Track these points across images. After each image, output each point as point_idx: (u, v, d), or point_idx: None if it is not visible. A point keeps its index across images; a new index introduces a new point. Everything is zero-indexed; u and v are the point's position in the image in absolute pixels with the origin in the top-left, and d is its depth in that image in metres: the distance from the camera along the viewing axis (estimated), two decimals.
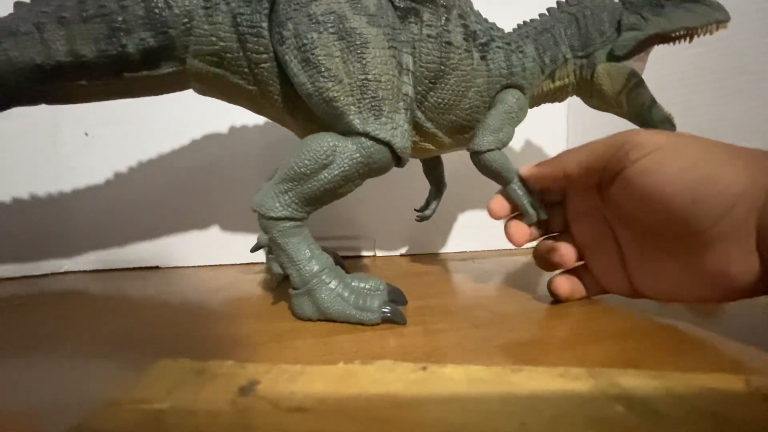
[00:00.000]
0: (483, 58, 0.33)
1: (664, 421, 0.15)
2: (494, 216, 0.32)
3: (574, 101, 0.58)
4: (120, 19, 0.26)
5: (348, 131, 0.26)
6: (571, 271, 0.31)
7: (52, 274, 0.45)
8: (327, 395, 0.17)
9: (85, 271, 0.46)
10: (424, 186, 0.48)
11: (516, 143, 0.57)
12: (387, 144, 0.27)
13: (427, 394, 0.17)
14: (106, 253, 0.46)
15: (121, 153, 0.46)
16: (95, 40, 0.26)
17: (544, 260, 0.31)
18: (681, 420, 0.15)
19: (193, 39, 0.27)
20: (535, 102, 0.38)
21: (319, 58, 0.26)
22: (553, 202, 0.32)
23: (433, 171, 0.46)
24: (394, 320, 0.26)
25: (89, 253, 0.46)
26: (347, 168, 0.26)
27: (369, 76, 0.26)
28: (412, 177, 0.51)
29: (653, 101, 0.34)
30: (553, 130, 0.59)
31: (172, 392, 0.18)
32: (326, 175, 0.26)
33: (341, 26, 0.26)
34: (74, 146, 0.45)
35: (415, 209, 0.48)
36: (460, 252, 0.57)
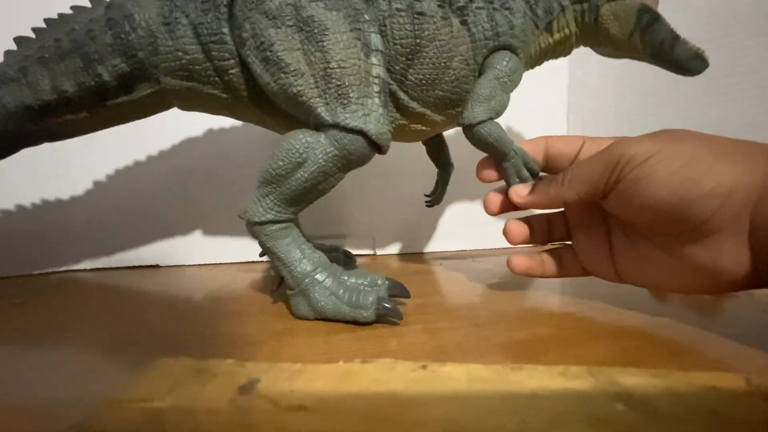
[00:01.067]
0: (463, 23, 0.30)
1: (664, 419, 0.15)
2: (513, 242, 0.32)
3: (573, 97, 0.58)
4: (92, 49, 0.27)
5: (319, 125, 0.26)
6: (554, 249, 0.31)
7: (52, 272, 0.45)
8: (327, 394, 0.17)
9: (84, 270, 0.46)
10: (425, 184, 0.48)
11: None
12: (360, 132, 0.26)
13: (427, 392, 0.17)
14: (105, 252, 0.46)
15: (120, 151, 0.46)
16: (73, 74, 0.27)
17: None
18: (681, 418, 0.15)
19: (161, 57, 0.27)
20: (536, 61, 0.34)
21: (278, 54, 0.25)
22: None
23: (437, 152, 0.44)
24: (389, 316, 0.25)
25: (89, 252, 0.46)
26: (323, 163, 0.25)
27: (332, 64, 0.25)
28: (413, 175, 0.51)
29: (675, 37, 0.30)
30: (553, 129, 0.59)
31: (172, 391, 0.18)
32: (302, 173, 0.25)
33: (298, 17, 0.26)
34: (73, 144, 0.45)
35: (425, 194, 0.46)
36: (460, 251, 0.57)
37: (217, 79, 0.28)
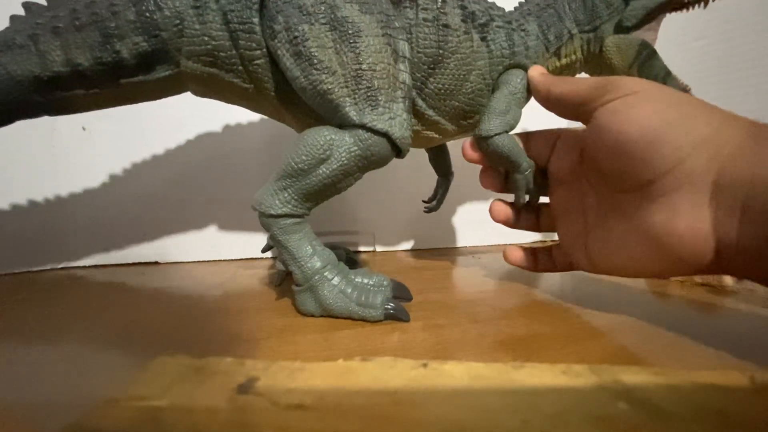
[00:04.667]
0: (483, 39, 0.32)
1: (667, 417, 0.15)
2: (496, 219, 0.34)
3: None
4: (112, 25, 0.26)
5: (344, 124, 0.26)
6: (545, 247, 0.33)
7: (51, 269, 0.44)
8: (326, 392, 0.17)
9: (83, 267, 0.46)
10: (424, 180, 0.48)
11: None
12: (385, 135, 0.26)
13: (427, 391, 0.17)
14: (104, 249, 0.46)
15: (119, 148, 0.46)
16: (90, 48, 0.26)
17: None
18: (684, 417, 0.15)
19: (186, 40, 0.26)
20: None
21: (311, 50, 0.25)
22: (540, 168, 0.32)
23: (439, 160, 0.45)
24: (397, 317, 0.26)
25: (88, 249, 0.46)
26: (345, 162, 0.26)
27: (363, 66, 0.26)
28: (412, 171, 0.51)
29: (668, 72, 0.32)
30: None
31: (170, 389, 0.17)
32: (324, 169, 0.25)
33: (333, 16, 0.25)
34: (72, 141, 0.45)
35: (423, 201, 0.47)
36: (460, 247, 0.56)
37: (241, 68, 0.28)
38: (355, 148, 0.26)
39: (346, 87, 0.26)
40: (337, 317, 0.26)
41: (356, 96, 0.26)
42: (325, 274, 0.26)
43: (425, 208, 0.47)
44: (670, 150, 0.20)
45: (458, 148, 0.45)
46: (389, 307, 0.26)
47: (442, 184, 0.46)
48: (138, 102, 0.30)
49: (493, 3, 0.34)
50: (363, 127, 0.26)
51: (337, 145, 0.25)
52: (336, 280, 0.27)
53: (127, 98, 0.29)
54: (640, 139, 0.21)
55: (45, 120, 0.43)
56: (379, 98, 0.26)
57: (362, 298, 0.26)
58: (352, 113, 0.26)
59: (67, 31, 0.26)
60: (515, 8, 0.35)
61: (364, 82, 0.26)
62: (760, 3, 0.38)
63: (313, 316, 0.27)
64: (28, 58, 0.26)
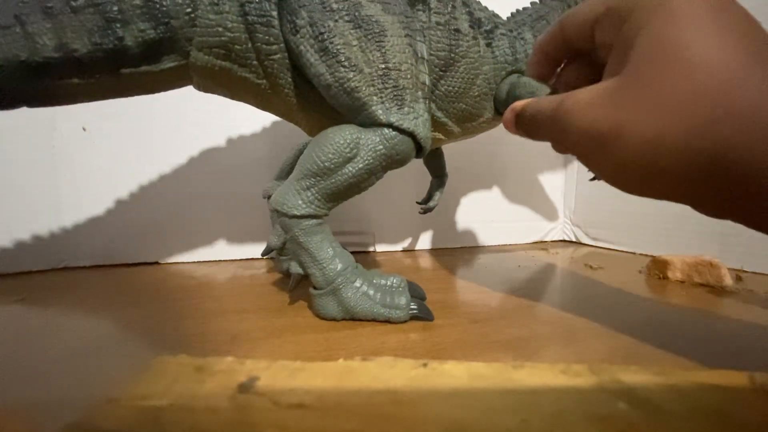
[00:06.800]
0: (489, 45, 0.33)
1: (666, 417, 0.15)
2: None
3: None
4: (116, 9, 0.23)
5: (370, 122, 0.26)
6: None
7: (51, 269, 0.44)
8: (327, 392, 0.17)
9: (84, 267, 0.46)
10: (425, 182, 0.48)
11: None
12: (411, 134, 0.26)
13: (427, 390, 0.17)
14: (104, 249, 0.46)
15: (119, 148, 0.46)
16: (88, 33, 0.23)
17: None
18: (684, 416, 0.15)
19: (198, 30, 0.25)
20: None
21: (338, 47, 0.25)
22: None
23: (434, 162, 0.45)
24: (422, 317, 0.26)
25: (88, 249, 0.46)
26: (371, 160, 0.25)
27: (389, 65, 0.26)
28: (412, 172, 0.51)
29: None
30: None
31: (171, 389, 0.17)
32: (350, 168, 0.25)
33: (357, 14, 0.25)
34: (72, 141, 0.45)
35: (417, 202, 0.48)
36: (460, 247, 0.56)
37: (255, 63, 0.27)
38: (381, 146, 0.25)
39: (373, 86, 0.25)
40: (360, 320, 0.26)
41: (383, 95, 0.26)
42: (348, 276, 0.26)
43: (420, 209, 0.47)
44: None
45: (455, 149, 0.46)
46: (414, 307, 0.26)
47: (436, 185, 0.46)
48: (136, 94, 0.28)
49: (494, 12, 0.35)
50: (390, 125, 0.25)
51: (363, 143, 0.25)
52: (358, 282, 0.26)
53: (125, 90, 0.27)
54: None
55: (45, 120, 0.43)
56: (405, 98, 0.26)
57: (387, 300, 0.26)
58: (379, 112, 0.25)
59: (61, 13, 0.23)
60: (508, 18, 0.37)
61: (390, 81, 0.26)
62: (760, 3, 0.38)
63: (334, 319, 0.26)
64: (13, 40, 0.23)
